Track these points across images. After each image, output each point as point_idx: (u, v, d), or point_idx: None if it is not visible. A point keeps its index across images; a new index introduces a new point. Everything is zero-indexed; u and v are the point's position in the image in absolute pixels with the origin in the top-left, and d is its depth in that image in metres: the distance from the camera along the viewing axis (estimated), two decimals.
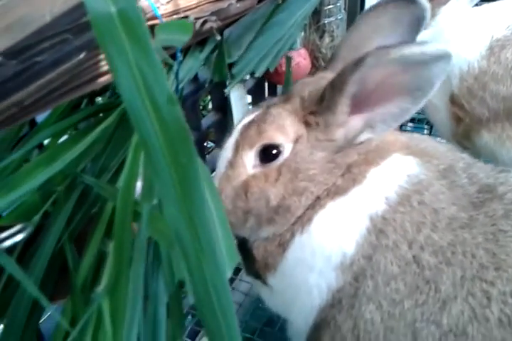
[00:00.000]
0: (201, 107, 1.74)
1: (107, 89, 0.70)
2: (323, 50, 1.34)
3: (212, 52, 0.78)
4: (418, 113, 1.55)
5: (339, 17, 1.35)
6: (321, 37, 1.34)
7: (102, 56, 0.51)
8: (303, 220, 0.64)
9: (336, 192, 0.64)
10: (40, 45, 0.44)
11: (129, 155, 0.48)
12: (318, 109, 0.63)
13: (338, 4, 1.33)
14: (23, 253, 0.48)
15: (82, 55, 0.48)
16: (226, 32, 0.80)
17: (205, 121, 1.09)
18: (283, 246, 0.66)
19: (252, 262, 0.71)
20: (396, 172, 0.64)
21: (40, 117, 0.59)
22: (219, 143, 1.03)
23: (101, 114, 0.59)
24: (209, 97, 1.71)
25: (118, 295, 0.39)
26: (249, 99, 1.32)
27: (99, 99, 0.75)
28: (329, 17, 1.32)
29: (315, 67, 1.36)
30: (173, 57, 0.65)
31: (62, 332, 0.43)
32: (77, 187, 0.52)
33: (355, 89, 0.57)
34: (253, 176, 0.65)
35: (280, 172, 0.64)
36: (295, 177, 0.64)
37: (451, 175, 0.64)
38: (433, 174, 0.64)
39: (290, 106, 0.66)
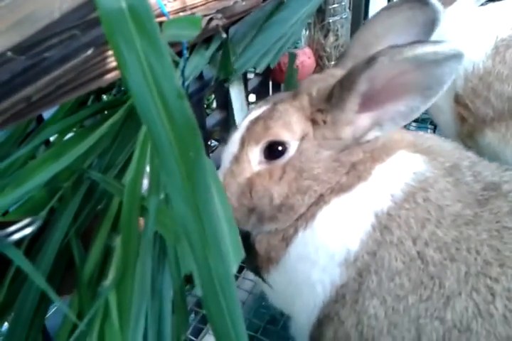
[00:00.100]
0: (205, 106, 1.74)
1: (113, 86, 0.70)
2: (328, 49, 1.34)
3: (217, 50, 0.79)
4: (422, 112, 1.55)
5: (344, 16, 1.35)
6: (326, 36, 1.34)
7: (109, 53, 0.51)
8: (306, 216, 0.65)
9: (340, 189, 0.64)
10: (48, 41, 0.44)
11: (135, 151, 0.48)
12: (327, 107, 0.63)
13: (343, 3, 1.33)
14: (30, 248, 0.48)
15: (89, 52, 0.48)
16: (231, 30, 0.80)
17: (210, 120, 1.09)
18: (286, 240, 0.66)
19: (254, 256, 0.71)
20: (402, 169, 0.64)
21: (47, 114, 0.60)
22: (223, 141, 1.03)
23: (107, 111, 0.60)
24: (213, 96, 1.72)
25: (125, 289, 0.40)
26: (253, 98, 1.32)
27: (104, 97, 0.75)
28: (334, 16, 1.32)
29: (319, 66, 1.36)
30: (179, 54, 0.65)
31: (68, 326, 0.43)
32: (84, 183, 0.52)
33: (365, 87, 0.57)
34: (257, 174, 0.66)
35: (285, 171, 0.64)
36: (299, 176, 0.64)
37: (456, 172, 0.64)
38: (439, 171, 0.64)
39: (298, 103, 0.66)
